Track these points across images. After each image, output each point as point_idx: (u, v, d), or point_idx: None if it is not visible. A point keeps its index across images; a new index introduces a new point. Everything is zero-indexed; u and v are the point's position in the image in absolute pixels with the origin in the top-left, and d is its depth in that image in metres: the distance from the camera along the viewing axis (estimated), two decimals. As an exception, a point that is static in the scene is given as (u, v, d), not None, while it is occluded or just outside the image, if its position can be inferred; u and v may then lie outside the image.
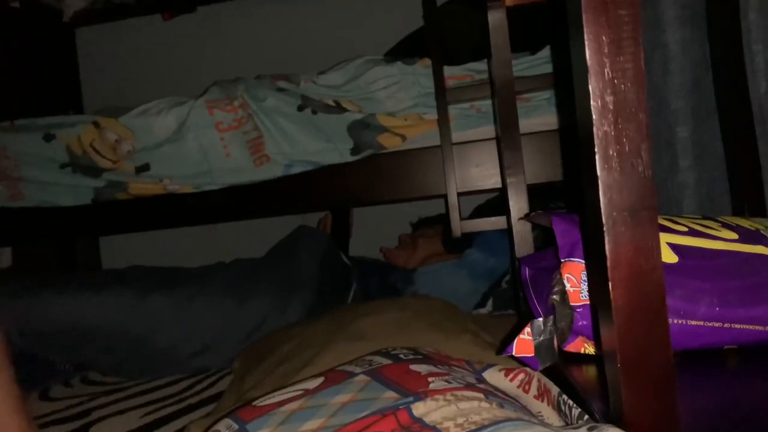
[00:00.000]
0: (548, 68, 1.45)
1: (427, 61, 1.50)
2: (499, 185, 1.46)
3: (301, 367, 1.09)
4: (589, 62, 0.46)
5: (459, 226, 1.44)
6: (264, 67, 1.78)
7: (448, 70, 1.48)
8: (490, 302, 1.57)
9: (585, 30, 0.46)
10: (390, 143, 1.51)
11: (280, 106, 1.52)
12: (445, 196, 1.46)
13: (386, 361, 0.70)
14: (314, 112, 1.51)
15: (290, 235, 1.72)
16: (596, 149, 0.47)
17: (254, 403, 0.68)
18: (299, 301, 1.54)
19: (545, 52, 1.46)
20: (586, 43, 0.46)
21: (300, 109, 1.52)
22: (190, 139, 1.54)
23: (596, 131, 0.47)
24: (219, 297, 1.52)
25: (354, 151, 1.52)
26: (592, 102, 0.47)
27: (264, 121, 1.53)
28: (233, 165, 1.55)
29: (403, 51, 1.69)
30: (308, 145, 1.53)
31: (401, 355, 0.72)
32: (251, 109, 1.53)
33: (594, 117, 0.47)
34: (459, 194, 1.46)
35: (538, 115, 1.47)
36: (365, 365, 0.69)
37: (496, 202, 1.88)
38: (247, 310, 1.50)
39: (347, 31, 2.14)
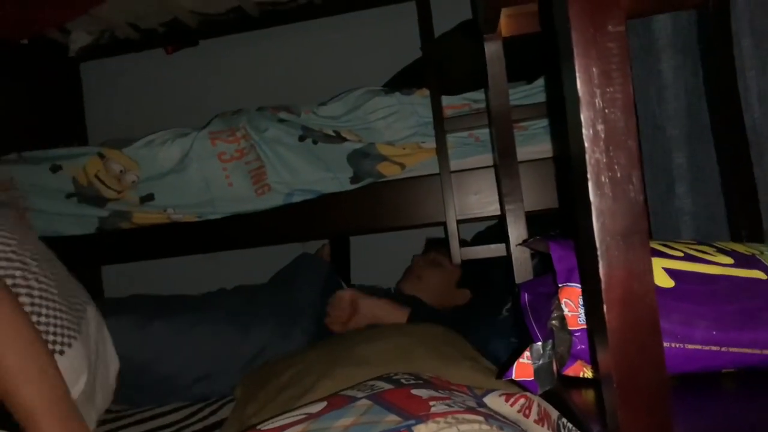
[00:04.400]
0: (544, 97, 1.48)
1: (425, 92, 1.53)
2: (498, 212, 1.47)
3: (303, 393, 1.09)
4: (580, 93, 0.49)
5: (459, 253, 1.45)
6: (265, 98, 1.82)
7: (446, 100, 1.51)
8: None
9: (576, 62, 0.48)
10: (389, 171, 1.54)
11: (281, 137, 1.55)
12: (444, 224, 1.47)
13: (388, 386, 0.71)
14: (315, 142, 1.54)
15: (291, 263, 1.74)
16: (589, 176, 0.48)
17: (258, 427, 0.69)
18: (300, 330, 1.54)
19: (541, 81, 1.49)
20: (577, 74, 0.49)
21: (301, 139, 1.55)
22: (194, 170, 1.57)
23: (588, 158, 0.48)
24: (221, 324, 1.52)
25: (354, 179, 1.55)
26: (583, 131, 0.49)
27: (265, 152, 1.55)
28: (235, 194, 1.57)
29: (401, 82, 1.73)
30: (309, 174, 1.55)
31: (402, 380, 0.73)
32: (253, 139, 1.56)
33: (586, 145, 0.49)
34: (458, 221, 1.47)
35: (536, 143, 1.49)
36: (367, 390, 0.70)
37: (496, 230, 1.90)
38: (248, 338, 1.51)
39: (346, 62, 2.19)
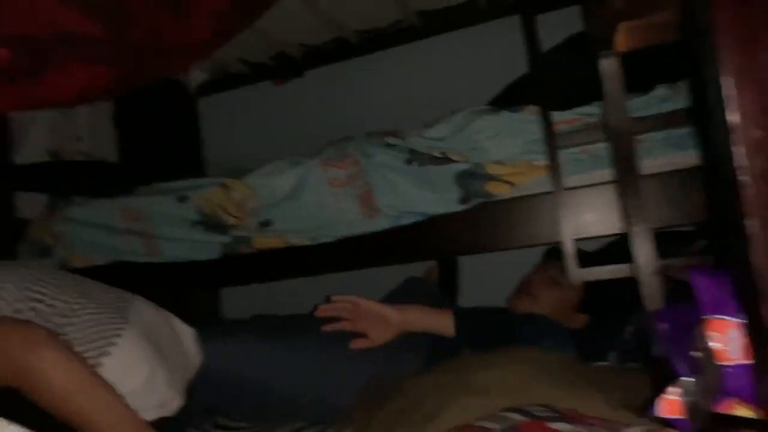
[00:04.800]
0: (662, 108, 1.41)
1: (533, 108, 1.50)
2: (616, 230, 1.41)
3: (424, 421, 1.09)
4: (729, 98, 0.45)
5: (577, 275, 1.40)
6: (371, 122, 1.87)
7: (556, 115, 1.47)
8: (612, 355, 1.49)
9: (722, 68, 0.45)
10: (498, 191, 1.52)
11: (388, 161, 1.58)
12: (560, 243, 1.43)
13: (522, 418, 0.69)
14: (422, 165, 1.55)
15: (400, 286, 1.75)
16: (743, 197, 0.44)
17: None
18: (413, 355, 1.55)
19: (659, 91, 1.42)
20: (722, 79, 0.45)
21: (408, 162, 1.57)
22: (307, 196, 1.63)
23: (740, 173, 0.44)
24: (335, 346, 1.55)
25: (462, 200, 1.54)
26: (734, 140, 0.44)
27: (373, 176, 1.59)
28: (345, 218, 1.62)
29: (507, 100, 1.71)
30: (416, 197, 1.56)
31: (535, 413, 0.71)
32: (362, 165, 1.60)
33: (738, 157, 0.44)
34: (576, 240, 1.42)
35: (654, 157, 1.42)
36: (502, 422, 0.69)
37: (610, 249, 1.81)
38: (362, 362, 1.53)
39: (449, 82, 2.20)
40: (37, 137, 2.18)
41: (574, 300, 1.64)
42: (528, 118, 1.50)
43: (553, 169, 1.44)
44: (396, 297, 1.72)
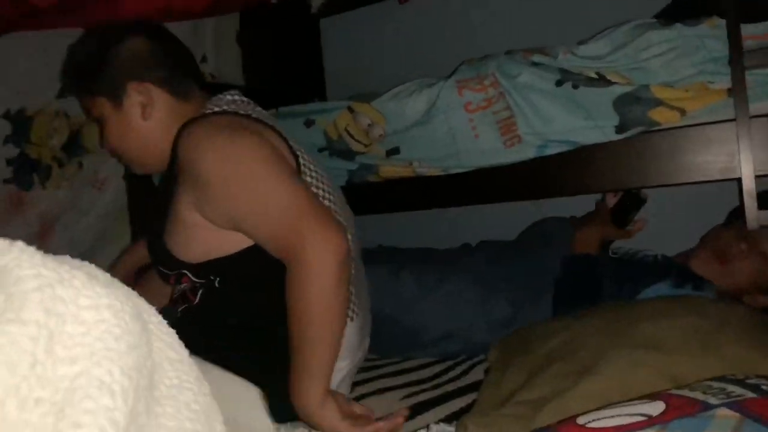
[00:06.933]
0: None
1: (716, 21, 1.26)
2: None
3: (580, 370, 0.98)
4: None
5: (756, 217, 1.20)
6: (511, 41, 1.68)
7: (745, 29, 1.23)
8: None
9: None
10: (665, 118, 1.32)
11: (535, 82, 1.41)
12: (738, 180, 1.22)
13: (747, 393, 0.56)
14: (575, 87, 1.37)
15: (539, 224, 1.61)
16: None
17: (579, 422, 0.60)
18: (548, 300, 1.43)
19: None
20: None
21: (558, 84, 1.39)
22: (439, 121, 1.51)
23: None
24: (466, 284, 1.47)
25: (620, 128, 1.35)
26: None
27: (516, 99, 1.43)
28: (482, 147, 1.49)
29: (679, 12, 1.46)
30: (566, 123, 1.40)
31: (763, 387, 0.58)
32: (503, 87, 1.44)
33: None
34: (757, 177, 1.21)
35: None
36: (720, 395, 0.57)
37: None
38: (494, 301, 1.44)
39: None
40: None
41: None
42: (708, 32, 1.27)
43: (738, 92, 1.22)
44: (535, 236, 1.59)
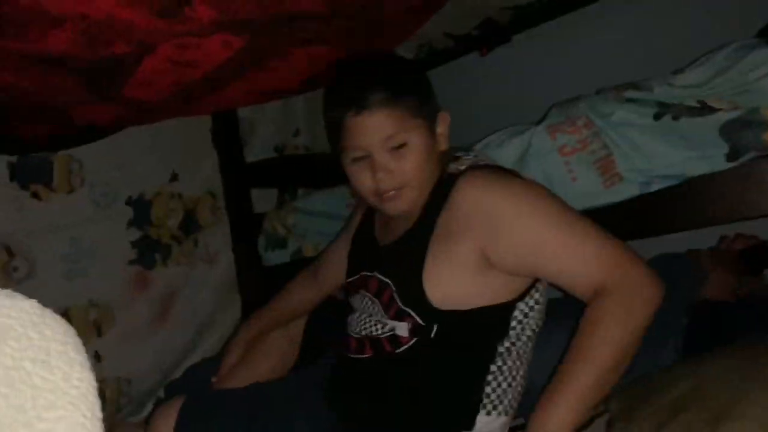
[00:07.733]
0: None
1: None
2: None
3: (714, 418, 0.90)
4: None
5: None
6: (599, 81, 1.64)
7: None
8: None
9: None
10: (782, 141, 1.22)
11: (631, 118, 1.37)
12: None
13: None
14: (675, 118, 1.31)
15: (654, 263, 1.51)
16: None
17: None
18: (672, 347, 1.33)
19: None
20: None
21: (656, 117, 1.34)
22: (534, 168, 1.48)
23: None
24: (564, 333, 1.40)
25: (730, 156, 1.27)
26: None
27: (613, 138, 1.39)
28: (581, 189, 1.44)
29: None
30: (669, 157, 1.33)
31: None
32: (597, 126, 1.41)
33: None
34: None
35: None
36: None
37: None
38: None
39: (687, 23, 1.87)
40: (264, 134, 2.35)
41: None
42: (823, 46, 1.18)
43: None
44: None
